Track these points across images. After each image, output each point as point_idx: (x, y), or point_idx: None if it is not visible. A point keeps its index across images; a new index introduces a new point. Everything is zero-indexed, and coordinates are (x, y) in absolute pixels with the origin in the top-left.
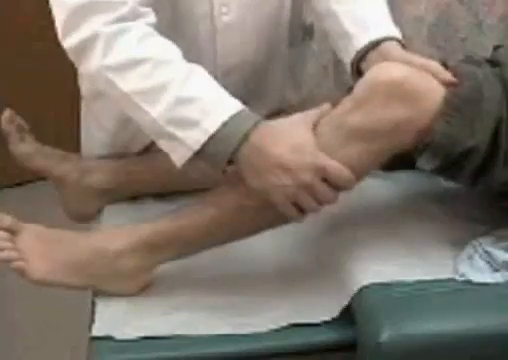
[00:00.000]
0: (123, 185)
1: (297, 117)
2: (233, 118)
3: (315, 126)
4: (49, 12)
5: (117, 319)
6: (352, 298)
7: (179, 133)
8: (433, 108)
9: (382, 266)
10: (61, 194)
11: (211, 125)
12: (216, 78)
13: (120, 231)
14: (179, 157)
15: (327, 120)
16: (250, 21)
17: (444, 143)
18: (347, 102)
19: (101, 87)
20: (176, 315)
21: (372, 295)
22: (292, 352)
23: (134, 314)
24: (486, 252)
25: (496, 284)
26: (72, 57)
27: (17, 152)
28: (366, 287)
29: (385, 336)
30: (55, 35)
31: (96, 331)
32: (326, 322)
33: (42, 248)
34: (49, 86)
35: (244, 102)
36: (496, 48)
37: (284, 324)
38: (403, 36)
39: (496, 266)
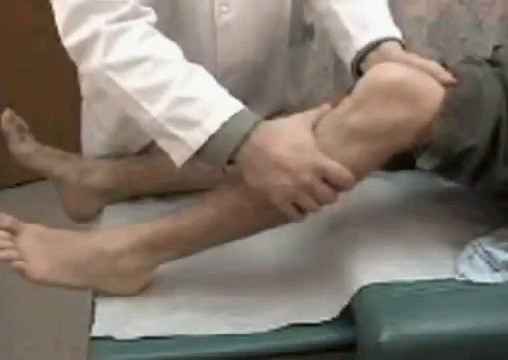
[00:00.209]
0: (123, 185)
1: (297, 117)
2: (233, 118)
3: (315, 126)
4: (49, 12)
5: (117, 319)
6: (352, 298)
7: (179, 133)
8: (433, 108)
9: (382, 266)
10: (61, 194)
11: (211, 125)
12: (216, 77)
13: (120, 231)
14: (179, 157)
15: (327, 120)
16: (250, 20)
17: (444, 143)
18: (347, 102)
19: (101, 86)
20: (176, 315)
21: (372, 295)
22: (292, 352)
23: (134, 314)
24: (486, 252)
25: (496, 284)
26: (73, 56)
27: (17, 152)
28: (366, 287)
29: (385, 336)
30: (55, 35)
31: (96, 331)
32: (326, 322)
33: (42, 248)
34: (49, 86)
35: (244, 102)
36: (496, 48)
37: (284, 324)
38: (403, 36)
39: (496, 266)
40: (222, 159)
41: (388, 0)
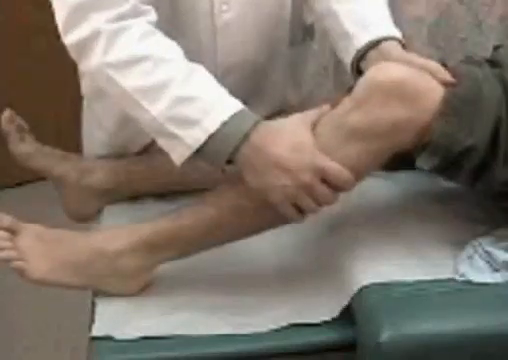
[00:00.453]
0: (123, 185)
1: (297, 117)
2: (233, 118)
3: (315, 126)
4: (49, 12)
5: (117, 319)
6: (352, 298)
7: (179, 132)
8: (432, 108)
9: (382, 266)
10: (61, 194)
11: (211, 124)
12: (216, 77)
13: (120, 231)
14: (178, 156)
15: (327, 120)
16: (250, 20)
17: (443, 142)
18: (347, 102)
19: (102, 85)
20: (176, 315)
21: (372, 295)
22: (292, 352)
23: (134, 314)
24: (486, 252)
25: (496, 284)
26: (73, 54)
27: (17, 152)
28: (366, 287)
29: (385, 336)
30: (55, 35)
31: (96, 331)
32: (326, 322)
33: (42, 248)
34: (49, 86)
35: (244, 102)
36: (496, 48)
37: (284, 324)
38: (403, 36)
39: (496, 266)
40: (222, 159)
41: (388, 0)
